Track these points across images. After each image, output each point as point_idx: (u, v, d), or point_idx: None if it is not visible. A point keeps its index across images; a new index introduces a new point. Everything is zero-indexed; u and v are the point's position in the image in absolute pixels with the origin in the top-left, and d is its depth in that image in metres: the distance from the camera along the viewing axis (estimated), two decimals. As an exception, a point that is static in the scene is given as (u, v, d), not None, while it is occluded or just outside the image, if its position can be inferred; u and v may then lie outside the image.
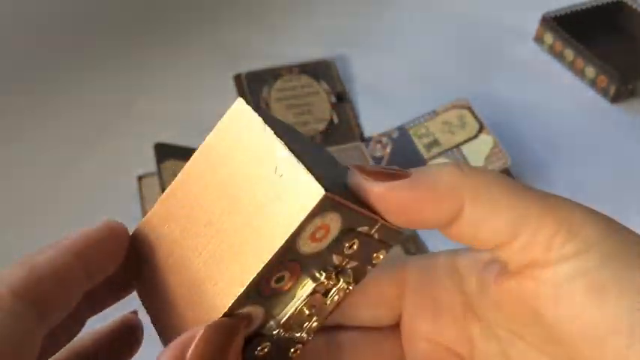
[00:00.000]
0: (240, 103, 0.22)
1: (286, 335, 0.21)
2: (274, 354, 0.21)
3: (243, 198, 0.20)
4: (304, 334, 0.22)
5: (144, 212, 0.58)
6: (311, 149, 0.23)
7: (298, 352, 0.22)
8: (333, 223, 0.19)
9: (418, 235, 0.56)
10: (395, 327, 0.25)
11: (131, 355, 0.24)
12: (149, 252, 0.22)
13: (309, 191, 0.18)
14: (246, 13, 0.80)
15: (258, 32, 0.78)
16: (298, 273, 0.20)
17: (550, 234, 0.19)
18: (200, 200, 0.21)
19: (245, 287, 0.19)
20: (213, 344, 0.18)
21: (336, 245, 0.20)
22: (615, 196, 0.60)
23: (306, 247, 0.19)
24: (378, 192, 0.20)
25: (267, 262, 0.19)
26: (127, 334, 0.24)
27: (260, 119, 0.21)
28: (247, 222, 0.19)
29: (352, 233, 0.20)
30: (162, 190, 0.56)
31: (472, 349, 0.23)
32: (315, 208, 0.18)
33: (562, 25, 0.73)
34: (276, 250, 0.19)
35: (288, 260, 0.19)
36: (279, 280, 0.20)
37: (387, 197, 0.20)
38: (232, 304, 0.19)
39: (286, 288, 0.20)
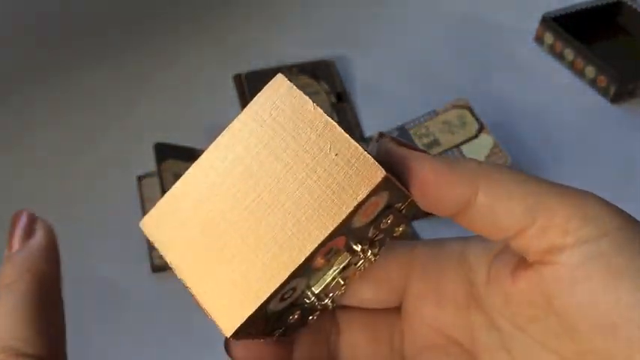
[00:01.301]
0: (280, 78, 0.22)
1: (317, 304, 0.22)
2: (300, 320, 0.22)
3: (298, 172, 0.20)
4: (330, 302, 0.22)
5: (144, 212, 0.58)
6: None
7: (316, 317, 0.23)
8: (381, 199, 0.20)
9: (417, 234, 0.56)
10: (394, 310, 0.25)
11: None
12: (190, 225, 0.21)
13: (370, 171, 0.19)
14: (246, 12, 0.80)
15: (258, 32, 0.78)
16: (342, 246, 0.21)
17: (566, 218, 0.19)
18: (249, 171, 0.21)
19: (301, 261, 0.19)
20: None
21: (376, 219, 0.21)
22: (615, 195, 0.60)
23: (358, 222, 0.20)
24: (404, 158, 0.20)
25: (326, 236, 0.19)
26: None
27: (307, 97, 0.21)
28: (304, 197, 0.20)
29: (391, 209, 0.21)
30: (163, 190, 0.56)
31: (473, 339, 0.23)
32: (376, 187, 0.19)
33: (562, 25, 0.73)
34: (337, 224, 0.19)
35: (339, 234, 0.20)
36: (328, 253, 0.20)
37: (411, 164, 0.20)
38: (287, 277, 0.19)
39: (329, 260, 0.21)
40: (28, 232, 0.22)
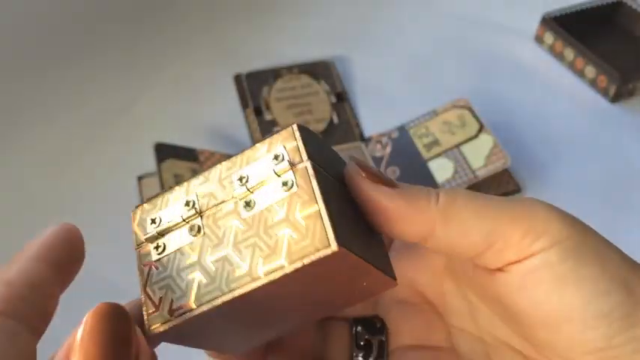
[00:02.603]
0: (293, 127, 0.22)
1: None
2: None
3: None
4: None
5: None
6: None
7: None
8: None
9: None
10: None
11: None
12: None
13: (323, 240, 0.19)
14: (246, 13, 0.80)
15: (258, 32, 0.78)
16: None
17: (519, 238, 0.21)
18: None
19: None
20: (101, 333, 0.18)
21: None
22: (615, 195, 0.60)
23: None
24: (367, 192, 0.21)
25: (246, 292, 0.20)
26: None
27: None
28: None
29: None
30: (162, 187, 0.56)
31: (445, 303, 0.25)
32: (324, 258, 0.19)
33: (562, 25, 0.73)
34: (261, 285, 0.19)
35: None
36: None
37: (373, 198, 0.21)
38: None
39: None
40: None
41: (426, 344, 0.25)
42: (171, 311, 0.21)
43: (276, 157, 0.21)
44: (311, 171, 0.20)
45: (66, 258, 0.21)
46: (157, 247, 0.22)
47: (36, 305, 0.19)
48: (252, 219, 0.20)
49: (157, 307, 0.21)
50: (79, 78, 0.71)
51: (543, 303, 0.20)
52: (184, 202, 0.22)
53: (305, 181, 0.20)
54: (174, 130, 0.65)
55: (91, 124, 0.67)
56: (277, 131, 0.21)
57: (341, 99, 0.69)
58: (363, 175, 0.21)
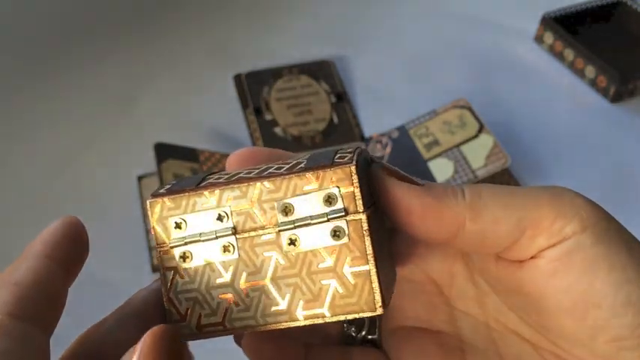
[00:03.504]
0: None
1: None
2: None
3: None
4: None
5: (144, 212, 0.58)
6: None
7: None
8: None
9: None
10: None
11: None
12: None
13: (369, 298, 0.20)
14: (246, 13, 0.80)
15: (258, 32, 0.78)
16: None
17: (550, 222, 0.21)
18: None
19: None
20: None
21: None
22: (615, 195, 0.60)
23: None
24: (395, 192, 0.21)
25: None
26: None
27: None
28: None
29: None
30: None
31: (451, 286, 0.25)
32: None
33: (562, 25, 0.73)
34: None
35: None
36: None
37: (401, 197, 0.21)
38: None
39: None
40: None
41: (428, 327, 0.25)
42: (199, 327, 0.21)
43: (329, 199, 0.20)
44: (365, 226, 0.20)
45: (71, 253, 0.20)
46: (182, 256, 0.21)
47: (46, 304, 0.19)
48: (296, 258, 0.20)
49: (183, 318, 0.21)
50: (79, 78, 0.71)
51: (573, 288, 0.20)
52: (217, 215, 0.21)
53: (358, 236, 0.20)
54: (174, 130, 0.65)
55: (91, 124, 0.67)
56: (331, 164, 0.20)
57: (341, 99, 0.69)
58: (389, 174, 0.21)
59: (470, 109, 0.63)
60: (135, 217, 0.58)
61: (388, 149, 0.63)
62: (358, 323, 0.25)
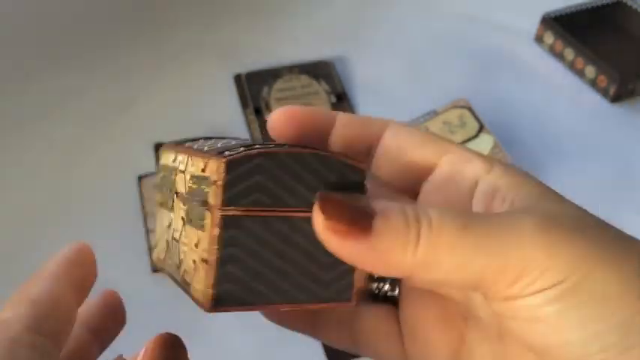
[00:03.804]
0: None
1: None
2: None
3: None
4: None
5: (144, 212, 0.58)
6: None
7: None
8: None
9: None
10: None
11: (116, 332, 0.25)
12: None
13: None
14: (246, 13, 0.80)
15: (258, 32, 0.78)
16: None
17: (511, 282, 0.19)
18: None
19: None
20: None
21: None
22: (615, 195, 0.60)
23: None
24: (335, 250, 0.20)
25: None
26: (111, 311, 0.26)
27: None
28: None
29: None
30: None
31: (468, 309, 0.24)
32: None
33: (562, 25, 0.73)
34: None
35: None
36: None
37: (341, 256, 0.20)
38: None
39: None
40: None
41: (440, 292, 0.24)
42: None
43: (200, 184, 0.21)
44: (216, 221, 0.20)
45: (82, 277, 0.22)
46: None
47: (60, 322, 0.20)
48: (187, 231, 0.22)
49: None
50: (79, 78, 0.70)
51: (549, 340, 0.20)
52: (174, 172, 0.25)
53: (209, 228, 0.20)
54: (174, 130, 0.65)
55: (91, 124, 0.67)
56: (216, 155, 0.20)
57: (341, 99, 0.69)
58: (326, 224, 0.19)
59: (470, 109, 0.63)
60: (135, 217, 0.58)
61: (388, 149, 0.63)
62: (379, 280, 0.25)
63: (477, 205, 0.22)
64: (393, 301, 0.25)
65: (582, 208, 0.21)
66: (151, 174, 0.60)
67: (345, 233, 0.19)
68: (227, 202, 0.20)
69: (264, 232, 0.20)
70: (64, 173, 0.62)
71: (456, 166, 0.23)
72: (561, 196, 0.22)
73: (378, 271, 0.21)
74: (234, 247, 0.20)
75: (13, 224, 0.57)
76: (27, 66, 0.71)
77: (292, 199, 0.21)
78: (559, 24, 0.74)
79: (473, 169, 0.23)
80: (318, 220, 0.19)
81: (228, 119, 0.67)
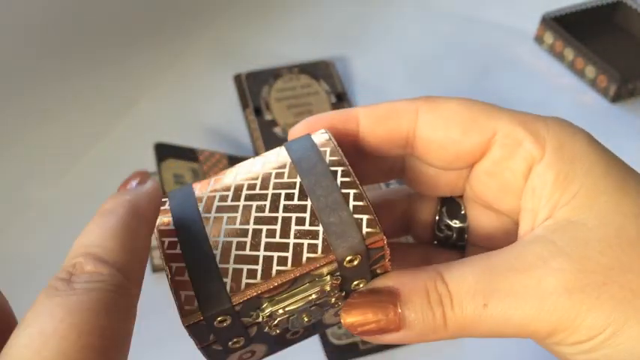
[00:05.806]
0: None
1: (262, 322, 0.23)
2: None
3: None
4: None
5: (144, 212, 0.58)
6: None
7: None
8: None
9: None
10: None
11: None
12: None
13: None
14: (246, 13, 0.80)
15: (258, 32, 0.78)
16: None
17: (545, 336, 0.21)
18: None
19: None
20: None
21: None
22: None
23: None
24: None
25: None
26: None
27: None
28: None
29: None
30: (163, 190, 0.56)
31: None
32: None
33: (562, 25, 0.73)
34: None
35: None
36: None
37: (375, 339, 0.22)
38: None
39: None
40: (140, 182, 0.22)
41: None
42: None
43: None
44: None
45: (153, 212, 0.22)
46: None
47: (138, 261, 0.20)
48: None
49: None
50: (79, 78, 0.70)
51: None
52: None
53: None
54: (174, 130, 0.65)
55: (91, 124, 0.67)
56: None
57: (341, 99, 0.69)
58: (361, 332, 0.22)
59: (470, 109, 0.63)
60: (135, 217, 0.58)
61: (388, 149, 0.63)
62: (447, 229, 0.27)
63: (527, 203, 0.23)
64: (461, 247, 0.27)
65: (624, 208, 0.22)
66: (151, 174, 0.60)
67: (380, 332, 0.21)
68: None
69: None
70: (64, 173, 0.62)
71: (506, 150, 0.23)
72: (617, 181, 0.23)
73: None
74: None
75: (13, 224, 0.57)
76: (27, 66, 0.71)
77: None
78: (559, 24, 0.74)
79: (524, 155, 0.23)
80: (352, 330, 0.22)
81: (228, 119, 0.67)
